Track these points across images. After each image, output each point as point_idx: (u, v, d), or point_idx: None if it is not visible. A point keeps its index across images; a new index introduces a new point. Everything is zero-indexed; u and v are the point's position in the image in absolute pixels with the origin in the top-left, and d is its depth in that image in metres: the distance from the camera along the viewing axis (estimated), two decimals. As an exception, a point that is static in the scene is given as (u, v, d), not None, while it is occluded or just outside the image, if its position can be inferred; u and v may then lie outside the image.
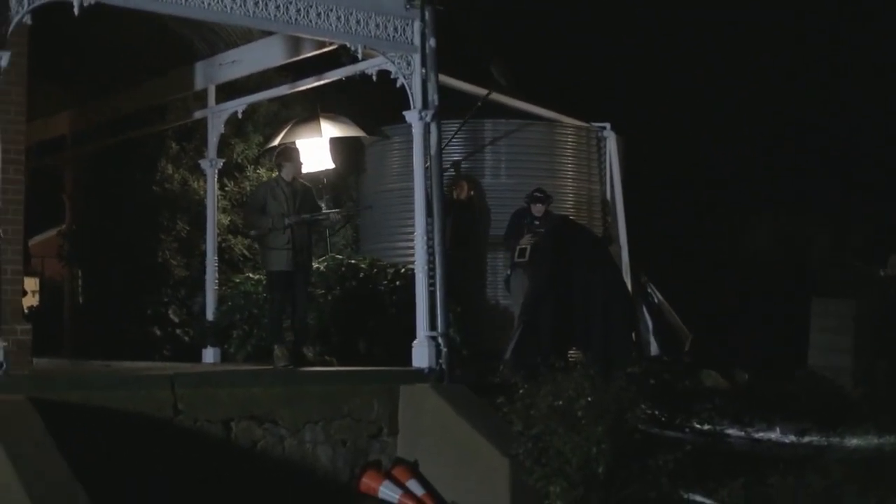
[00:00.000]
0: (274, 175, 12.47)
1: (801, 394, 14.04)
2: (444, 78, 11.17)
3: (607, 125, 15.60)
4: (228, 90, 13.33)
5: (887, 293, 15.70)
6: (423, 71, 10.41)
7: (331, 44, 11.01)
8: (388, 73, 10.52)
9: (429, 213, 10.35)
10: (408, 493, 9.34)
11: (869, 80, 22.41)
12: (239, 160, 15.30)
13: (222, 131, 13.03)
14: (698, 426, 12.00)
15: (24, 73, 9.61)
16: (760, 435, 12.41)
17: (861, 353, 14.81)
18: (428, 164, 10.40)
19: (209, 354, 12.63)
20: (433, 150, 10.43)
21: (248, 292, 13.25)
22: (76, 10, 8.67)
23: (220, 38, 12.49)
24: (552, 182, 14.71)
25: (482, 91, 14.55)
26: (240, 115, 13.09)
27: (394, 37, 10.36)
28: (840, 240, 20.09)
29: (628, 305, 13.13)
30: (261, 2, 9.63)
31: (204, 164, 13.14)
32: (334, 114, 14.65)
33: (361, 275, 13.00)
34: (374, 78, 10.77)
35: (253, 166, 15.40)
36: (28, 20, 8.55)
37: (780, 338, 16.41)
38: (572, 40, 21.92)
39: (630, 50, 22.27)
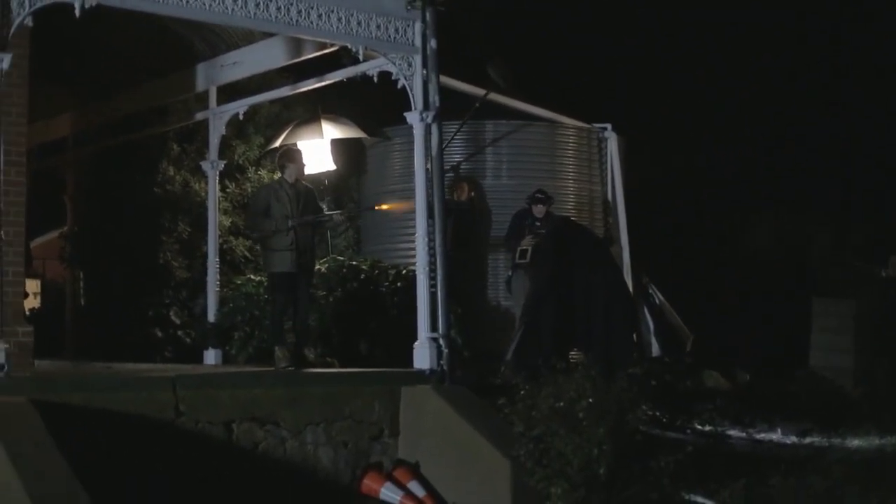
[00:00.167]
0: (276, 177, 12.49)
1: (801, 394, 14.05)
2: (445, 79, 11.18)
3: (608, 126, 15.62)
4: (230, 91, 13.34)
5: (888, 293, 15.70)
6: (424, 72, 10.42)
7: (332, 45, 11.01)
8: (389, 74, 10.52)
9: (430, 214, 10.34)
10: (409, 494, 9.34)
11: (869, 81, 22.40)
12: (240, 162, 15.31)
13: (223, 133, 13.03)
14: (699, 427, 12.00)
15: (25, 75, 9.61)
16: (762, 436, 12.41)
17: (862, 353, 14.81)
18: (429, 165, 10.40)
19: (210, 356, 12.63)
20: (434, 152, 10.44)
21: (249, 294, 13.26)
22: (77, 12, 8.67)
23: (222, 39, 12.50)
24: (553, 183, 14.71)
25: (483, 92, 14.56)
26: (241, 117, 13.08)
27: (395, 38, 10.37)
28: (840, 239, 20.10)
29: (629, 306, 13.13)
30: (262, 3, 9.64)
31: (205, 165, 13.15)
32: (335, 115, 14.66)
33: (363, 276, 13.01)
34: (376, 79, 10.77)
35: (254, 168, 15.41)
36: (29, 22, 8.57)
37: (780, 338, 16.42)
38: (574, 41, 21.92)
39: (631, 50, 22.27)
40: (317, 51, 11.56)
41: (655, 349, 13.33)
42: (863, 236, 19.74)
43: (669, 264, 16.26)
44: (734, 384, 14.71)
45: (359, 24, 10.16)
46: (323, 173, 14.52)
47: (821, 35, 22.57)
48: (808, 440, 12.26)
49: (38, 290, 17.91)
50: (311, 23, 9.94)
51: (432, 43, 10.46)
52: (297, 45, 11.76)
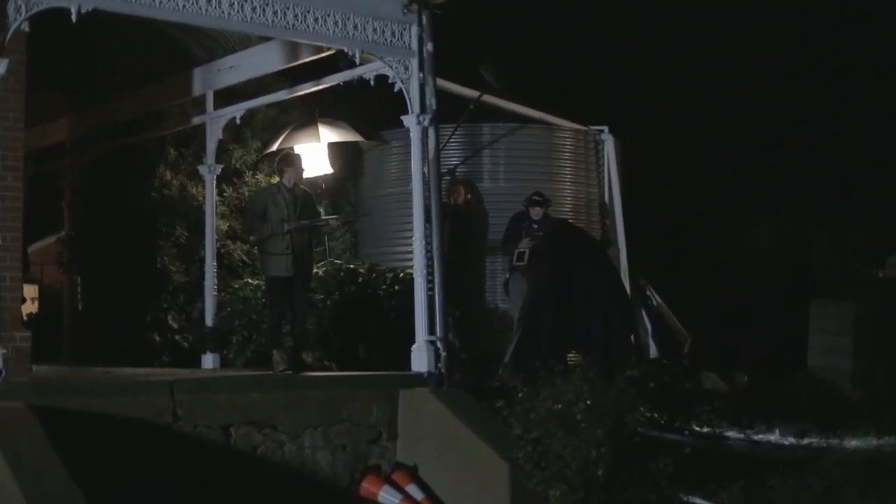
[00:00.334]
0: (273, 180, 12.49)
1: (800, 395, 14.02)
2: (442, 82, 11.19)
3: (605, 128, 15.63)
4: (226, 96, 13.34)
5: (886, 295, 15.69)
6: (421, 75, 10.42)
7: (328, 49, 11.02)
8: (385, 77, 10.52)
9: (427, 217, 10.35)
10: (407, 497, 9.35)
11: (870, 81, 22.40)
12: (237, 166, 15.31)
13: (220, 137, 13.04)
14: (698, 429, 11.98)
15: (22, 81, 9.63)
16: (760, 437, 12.39)
17: (860, 354, 14.80)
18: (426, 168, 10.40)
19: (208, 360, 12.63)
20: (431, 155, 10.45)
21: (247, 298, 13.26)
22: (74, 17, 8.68)
23: (218, 43, 12.51)
24: (550, 186, 14.71)
25: (478, 94, 14.56)
26: (238, 121, 13.10)
27: (391, 41, 10.38)
28: (840, 240, 20.08)
29: (627, 308, 13.14)
30: (258, 7, 9.64)
31: (202, 169, 13.15)
32: (332, 119, 14.66)
33: (360, 280, 13.02)
34: (372, 83, 10.77)
35: (251, 172, 15.41)
36: (26, 27, 8.58)
37: (779, 339, 16.40)
38: (573, 41, 21.91)
39: (631, 50, 22.26)
40: (313, 55, 11.57)
41: (653, 351, 13.34)
42: (862, 237, 19.72)
43: (667, 266, 16.25)
44: (732, 386, 14.69)
45: (355, 27, 10.17)
46: (320, 177, 14.51)
47: (821, 35, 22.55)
48: (806, 441, 12.24)
49: (36, 295, 17.89)
50: (308, 26, 9.95)
51: (429, 46, 10.47)
52: (293, 49, 11.76)
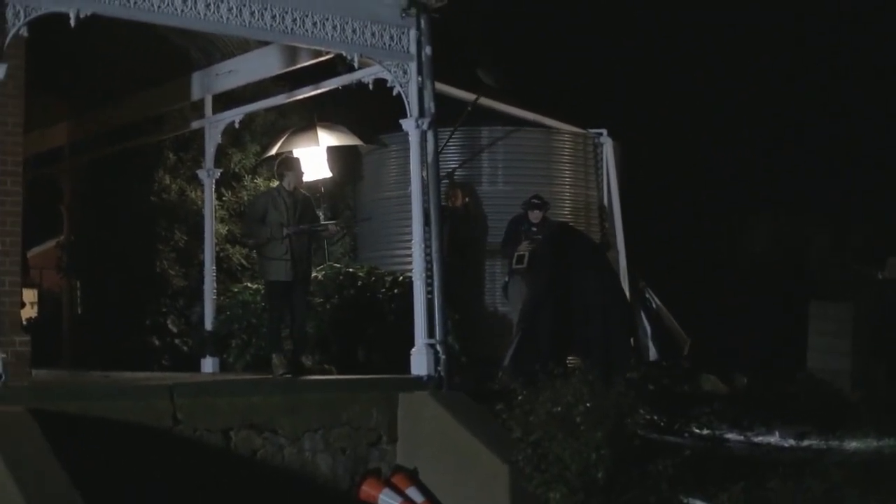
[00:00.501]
0: (272, 184, 12.50)
1: (800, 397, 14.03)
2: (440, 86, 11.20)
3: (604, 131, 15.65)
4: (225, 100, 13.34)
5: (885, 296, 15.70)
6: (420, 79, 10.43)
7: (327, 53, 11.03)
8: (384, 81, 10.53)
9: (426, 221, 10.36)
10: (407, 500, 9.35)
11: (869, 82, 22.41)
12: (236, 170, 15.32)
13: (219, 141, 13.04)
14: (697, 431, 11.98)
15: (21, 85, 9.62)
16: (760, 439, 12.39)
17: (860, 355, 14.81)
18: (425, 172, 10.41)
19: (208, 364, 12.63)
20: (430, 158, 10.45)
21: (246, 302, 13.27)
22: (73, 22, 8.69)
23: (217, 48, 12.52)
24: (549, 188, 14.73)
25: (476, 97, 14.58)
26: (237, 125, 13.09)
27: (390, 45, 10.39)
28: (840, 241, 20.09)
29: (627, 311, 13.15)
30: (257, 12, 9.65)
31: (201, 173, 13.15)
32: (331, 123, 14.67)
33: (360, 283, 13.03)
34: (371, 86, 10.77)
35: (250, 176, 15.43)
36: (25, 32, 8.58)
37: (778, 341, 16.40)
38: (571, 43, 21.92)
39: (629, 53, 22.28)
40: (312, 59, 11.57)
41: (653, 353, 13.34)
42: (862, 238, 19.73)
43: (667, 268, 16.26)
44: (732, 388, 14.71)
45: (354, 31, 10.18)
46: (319, 181, 14.53)
47: (820, 36, 22.57)
48: (806, 443, 12.24)
49: (36, 299, 17.90)
50: (307, 31, 9.96)
51: (427, 50, 10.48)
52: (292, 54, 11.77)
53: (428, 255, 10.31)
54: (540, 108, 15.53)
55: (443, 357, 10.20)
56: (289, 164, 11.53)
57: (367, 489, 9.48)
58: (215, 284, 12.99)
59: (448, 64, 11.50)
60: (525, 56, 19.82)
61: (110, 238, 15.01)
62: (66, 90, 14.08)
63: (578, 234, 14.08)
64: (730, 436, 12.31)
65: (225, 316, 13.12)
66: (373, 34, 10.28)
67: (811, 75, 22.40)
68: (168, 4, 9.17)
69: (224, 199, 14.98)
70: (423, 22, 10.45)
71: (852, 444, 12.05)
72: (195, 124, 13.46)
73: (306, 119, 14.90)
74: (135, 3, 9.01)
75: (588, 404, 8.49)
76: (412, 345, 10.30)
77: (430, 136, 10.47)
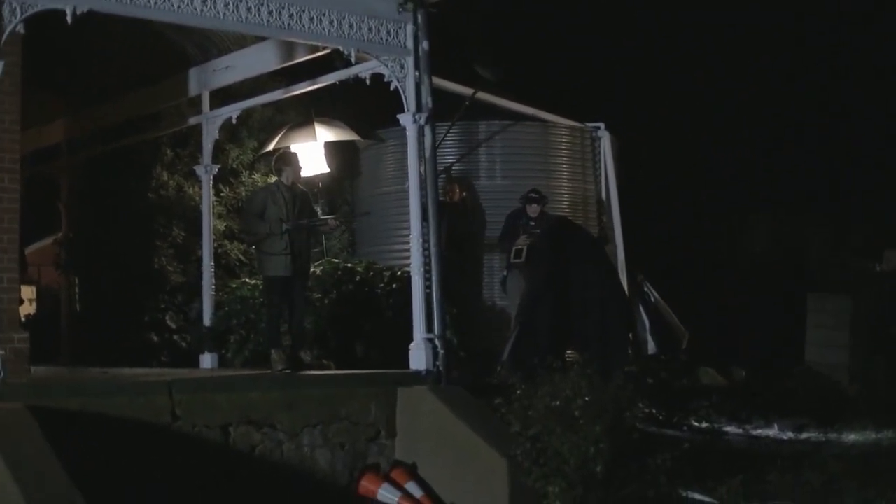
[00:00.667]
0: (270, 180, 12.50)
1: (798, 390, 14.05)
2: (437, 80, 11.19)
3: (601, 125, 15.66)
4: (222, 96, 13.33)
5: (883, 289, 15.71)
6: (417, 74, 10.43)
7: (324, 48, 11.02)
8: (381, 76, 10.52)
9: (424, 215, 10.36)
10: (406, 495, 9.35)
11: (868, 81, 22.43)
12: (234, 166, 15.31)
13: (217, 137, 13.02)
14: (696, 424, 12.00)
15: (18, 82, 9.63)
16: (758, 432, 12.42)
17: (858, 348, 14.82)
18: (422, 166, 10.41)
19: (207, 360, 12.63)
20: (427, 153, 10.46)
21: (244, 297, 13.27)
22: (69, 19, 8.68)
23: (214, 44, 12.50)
24: (547, 183, 14.73)
25: (474, 91, 14.58)
26: (234, 121, 13.08)
27: (387, 40, 10.38)
28: (839, 240, 20.10)
29: (625, 305, 13.15)
30: (253, 7, 9.64)
31: (199, 170, 13.14)
32: (329, 118, 14.66)
33: (358, 278, 13.03)
34: (368, 81, 10.76)
35: (248, 171, 15.42)
36: (21, 29, 8.57)
37: (777, 335, 16.42)
38: (571, 41, 21.93)
39: (629, 51, 22.29)
40: (309, 54, 11.57)
41: (651, 347, 13.34)
42: (861, 237, 19.74)
43: (666, 266, 16.26)
44: (730, 381, 14.73)
45: (350, 26, 10.17)
46: (317, 176, 14.52)
47: (819, 36, 22.59)
48: (804, 436, 12.27)
49: (34, 296, 17.87)
50: (303, 26, 9.95)
51: (424, 45, 10.48)
52: (289, 49, 11.77)
53: (426, 249, 10.32)
54: (538, 104, 15.53)
55: (441, 352, 10.20)
56: (287, 160, 11.52)
57: (365, 484, 9.49)
58: (213, 280, 12.99)
59: (446, 59, 11.50)
60: (523, 53, 19.82)
61: (108, 235, 15.00)
62: (63, 87, 14.07)
63: (576, 228, 14.08)
64: (728, 429, 12.33)
65: (223, 312, 13.12)
66: (370, 29, 10.28)
67: (810, 74, 22.42)
68: (164, 0, 9.16)
69: (222, 194, 14.98)
70: (419, 17, 10.44)
71: (850, 437, 12.07)
72: (192, 120, 13.46)
73: (304, 114, 14.89)
74: (131, -1, 9.01)
75: (586, 398, 8.49)
76: (410, 340, 10.30)
77: (427, 130, 10.47)
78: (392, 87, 10.46)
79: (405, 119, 10.46)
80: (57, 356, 14.61)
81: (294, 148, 13.86)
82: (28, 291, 16.32)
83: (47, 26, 8.80)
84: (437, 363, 10.16)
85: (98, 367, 12.23)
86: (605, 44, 22.10)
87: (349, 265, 13.36)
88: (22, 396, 8.21)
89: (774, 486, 9.42)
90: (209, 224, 13.10)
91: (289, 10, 9.83)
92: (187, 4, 9.28)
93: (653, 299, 13.84)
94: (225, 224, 14.97)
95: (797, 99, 22.09)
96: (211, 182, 13.14)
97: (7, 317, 9.30)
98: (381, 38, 10.35)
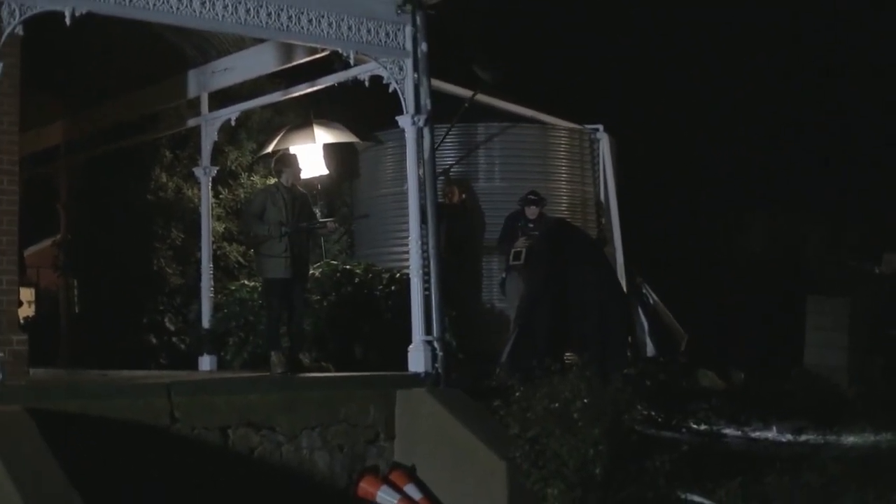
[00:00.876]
0: (270, 181, 12.50)
1: (797, 392, 14.05)
2: (436, 82, 11.20)
3: (600, 127, 15.66)
4: (221, 98, 13.33)
5: (882, 291, 15.72)
6: (416, 76, 10.43)
7: (323, 50, 11.03)
8: (380, 78, 10.52)
9: (423, 217, 10.36)
10: (405, 497, 9.35)
11: (865, 80, 22.44)
12: (233, 167, 15.31)
13: (216, 139, 13.03)
14: (695, 426, 12.01)
15: (16, 84, 9.62)
16: (757, 434, 12.41)
17: (856, 350, 14.83)
18: (421, 168, 10.41)
19: (205, 362, 12.62)
20: (426, 155, 10.46)
21: (243, 299, 13.27)
22: (68, 20, 8.68)
23: (212, 45, 12.51)
24: (546, 185, 14.74)
25: (472, 93, 14.58)
26: (233, 123, 13.09)
27: (385, 42, 10.38)
28: (836, 238, 20.11)
29: (624, 307, 13.15)
30: (252, 9, 9.65)
31: (198, 171, 13.14)
32: (327, 120, 14.66)
33: (357, 280, 13.03)
34: (367, 83, 10.78)
35: (247, 173, 15.42)
36: (20, 31, 8.57)
37: (775, 337, 16.42)
38: (567, 41, 21.93)
39: (625, 50, 22.29)
40: (308, 56, 11.57)
41: (650, 349, 13.35)
42: (858, 235, 19.75)
43: (664, 265, 16.27)
44: (729, 383, 14.72)
45: (349, 28, 10.17)
46: (316, 178, 14.52)
47: (816, 34, 22.60)
48: (803, 438, 12.26)
49: (33, 298, 17.85)
50: (302, 28, 9.95)
51: (423, 46, 10.48)
52: (288, 51, 11.77)
53: (425, 251, 10.32)
54: (536, 105, 15.54)
55: (440, 354, 10.20)
56: (286, 161, 11.52)
57: (364, 486, 9.48)
58: (212, 282, 12.98)
59: (444, 61, 11.50)
60: (521, 54, 19.82)
61: (107, 237, 15.00)
62: (61, 89, 14.07)
63: (575, 230, 14.08)
64: (727, 431, 12.33)
65: (222, 314, 13.12)
66: (368, 31, 10.28)
67: (807, 73, 22.43)
68: (163, 2, 9.16)
69: (221, 196, 14.98)
70: (418, 19, 10.45)
71: (849, 439, 12.07)
72: (191, 122, 13.46)
73: (302, 116, 14.89)
74: (130, 1, 9.00)
75: (585, 400, 8.49)
76: (409, 342, 10.30)
77: (426, 132, 10.47)
78: (391, 89, 10.47)
79: (404, 121, 10.46)
80: (56, 358, 14.61)
81: (293, 150, 13.88)
82: (27, 293, 16.30)
83: (46, 28, 8.79)
84: (436, 365, 10.16)
85: (97, 369, 12.22)
86: (602, 42, 22.10)
87: (348, 267, 13.36)
88: (21, 398, 8.20)
89: (773, 489, 9.41)
90: (208, 226, 13.10)
91: (287, 11, 9.83)
92: (186, 6, 9.28)
93: (651, 301, 13.85)
94: (224, 226, 14.97)
95: (794, 97, 22.10)
96: (210, 184, 13.14)
97: (6, 319, 9.29)
98: (380, 40, 10.35)
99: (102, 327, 14.74)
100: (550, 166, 15.23)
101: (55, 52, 11.50)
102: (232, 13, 9.53)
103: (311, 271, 12.19)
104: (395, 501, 9.33)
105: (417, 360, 10.17)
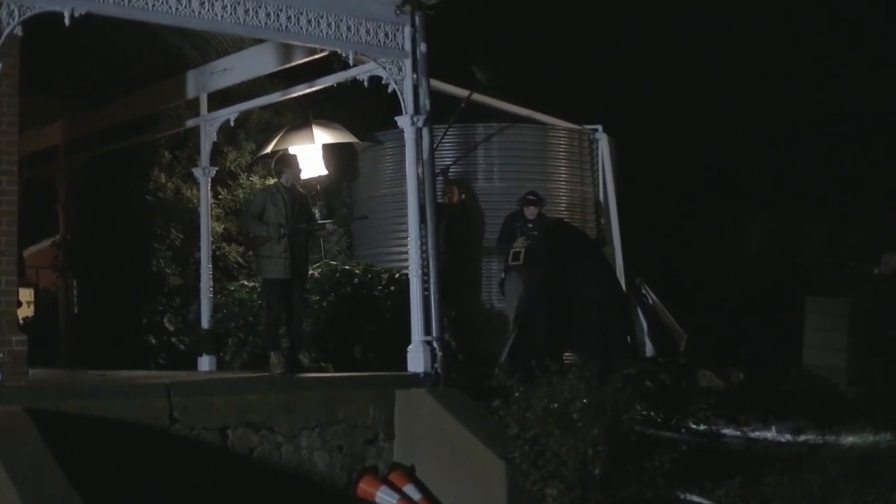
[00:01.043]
0: (270, 181, 12.50)
1: (796, 393, 14.05)
2: (435, 82, 11.20)
3: (599, 127, 15.66)
4: (220, 98, 13.34)
5: (880, 291, 15.72)
6: (415, 76, 10.43)
7: (322, 50, 11.03)
8: (379, 78, 10.53)
9: (422, 218, 10.36)
10: (405, 497, 9.36)
11: (864, 80, 22.45)
12: (232, 168, 15.31)
13: (215, 139, 13.04)
14: (694, 426, 12.00)
15: (16, 84, 9.59)
16: (756, 434, 12.41)
17: (856, 351, 14.82)
18: (420, 169, 10.42)
19: (205, 362, 12.63)
20: (425, 155, 10.46)
21: (242, 300, 13.27)
22: (67, 21, 8.69)
23: (212, 46, 12.51)
24: (545, 185, 14.74)
25: (475, 94, 14.58)
26: (232, 123, 13.10)
27: (384, 42, 10.38)
28: (835, 238, 20.12)
29: (623, 307, 13.15)
30: (251, 10, 9.65)
31: (197, 172, 13.15)
32: (326, 120, 14.66)
33: (356, 280, 13.03)
34: (366, 84, 10.78)
35: (246, 174, 15.42)
36: (19, 32, 8.57)
37: (775, 337, 16.42)
38: (567, 41, 21.94)
39: (625, 51, 22.30)
40: (307, 56, 11.58)
41: (649, 350, 13.35)
42: (857, 236, 19.76)
43: (663, 265, 16.28)
44: (728, 383, 14.71)
45: (348, 29, 10.18)
46: (315, 178, 14.52)
47: (815, 35, 22.61)
48: (802, 438, 12.26)
49: (32, 298, 17.85)
50: (301, 28, 9.95)
51: (422, 47, 10.48)
52: (287, 51, 11.77)
53: (424, 252, 10.32)
54: (536, 105, 15.54)
55: (439, 354, 10.21)
56: (287, 162, 11.52)
57: (364, 486, 9.49)
58: (212, 283, 12.99)
59: (443, 61, 11.50)
60: (520, 54, 19.83)
61: (106, 237, 14.99)
62: (60, 89, 14.07)
63: (574, 230, 14.09)
64: (726, 431, 12.33)
65: (221, 314, 13.12)
66: (367, 31, 10.28)
67: (807, 73, 22.43)
68: (162, 3, 9.17)
69: (220, 197, 14.97)
70: (417, 19, 10.45)
71: (849, 440, 12.06)
72: (190, 122, 13.46)
73: (301, 117, 14.89)
74: (129, 1, 9.01)
75: (585, 401, 8.49)
76: (409, 342, 10.31)
77: (425, 132, 10.47)
78: (390, 90, 10.47)
79: (403, 121, 10.46)
80: (55, 359, 14.61)
81: (292, 150, 13.88)
82: (26, 294, 16.30)
83: (45, 28, 8.80)
84: (436, 365, 10.16)
85: (96, 370, 12.23)
86: (601, 42, 22.11)
87: (347, 267, 13.36)
88: (20, 399, 8.21)
89: (772, 489, 9.41)
90: (207, 226, 13.10)
91: (286, 12, 9.83)
92: (185, 6, 9.29)
93: (651, 301, 13.84)
94: (223, 226, 14.97)
95: (794, 97, 22.11)
96: (209, 184, 13.15)
97: (5, 319, 9.26)
98: (379, 41, 10.35)
99: (102, 328, 14.75)
100: (550, 167, 15.24)
101: (54, 52, 11.50)
102: (231, 14, 9.53)
103: (310, 272, 12.19)
104: (395, 502, 9.34)
105: (417, 360, 10.18)
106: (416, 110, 10.41)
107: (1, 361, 8.50)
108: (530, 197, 13.73)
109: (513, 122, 15.30)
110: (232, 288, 13.76)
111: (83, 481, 7.51)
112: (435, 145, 11.16)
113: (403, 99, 10.42)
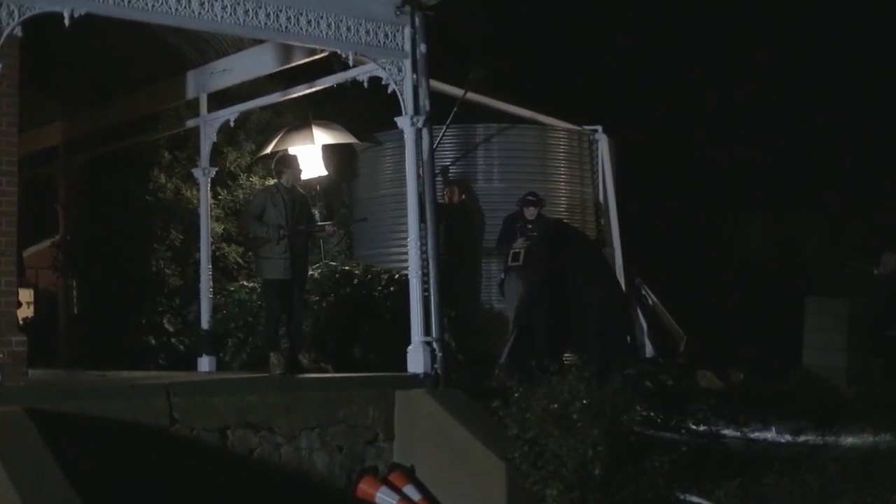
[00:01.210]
0: (270, 182, 12.50)
1: (796, 393, 14.06)
2: (435, 83, 11.19)
3: (599, 128, 15.66)
4: (220, 99, 13.34)
5: (880, 291, 15.72)
6: (415, 77, 10.43)
7: (322, 51, 11.03)
8: (379, 79, 10.53)
9: (422, 218, 10.36)
10: (405, 498, 9.35)
11: (864, 80, 22.46)
12: (231, 168, 15.31)
13: (215, 140, 13.04)
14: (694, 427, 12.00)
15: (15, 85, 9.60)
16: (756, 435, 12.41)
17: (855, 351, 14.83)
18: (420, 169, 10.41)
19: (204, 363, 12.63)
20: (425, 156, 10.46)
21: (242, 300, 13.27)
22: (66, 21, 8.69)
23: (211, 46, 12.51)
24: (545, 185, 14.74)
25: (475, 95, 14.58)
26: (232, 124, 13.09)
27: (384, 43, 10.38)
28: (835, 238, 20.12)
29: (623, 308, 13.15)
30: (251, 10, 9.65)
31: (197, 172, 13.15)
32: (326, 121, 14.66)
33: (356, 281, 13.02)
34: (366, 84, 10.78)
35: (246, 174, 15.42)
36: (19, 32, 8.58)
37: (774, 337, 16.43)
38: (566, 42, 21.96)
39: (625, 51, 22.32)
40: (307, 57, 11.57)
41: (649, 350, 13.35)
42: (857, 236, 19.77)
43: (663, 266, 16.28)
44: (728, 384, 14.72)
45: (348, 29, 10.18)
46: (314, 179, 14.52)
47: (815, 35, 22.62)
48: (802, 439, 12.26)
49: (32, 299, 17.84)
50: (301, 29, 9.95)
51: (422, 47, 10.48)
52: (286, 52, 11.77)
53: (424, 252, 10.32)
54: (535, 105, 15.54)
55: (439, 354, 10.21)
56: (287, 162, 11.51)
57: (363, 487, 9.49)
58: (211, 283, 12.99)
59: (443, 62, 11.50)
60: (520, 55, 19.84)
61: (106, 237, 14.99)
62: (60, 89, 14.07)
63: (574, 230, 14.09)
64: (726, 432, 12.33)
65: (221, 315, 13.12)
66: (367, 32, 10.28)
67: (806, 73, 22.45)
68: (162, 3, 9.17)
69: (220, 197, 14.97)
70: (417, 19, 10.45)
71: (848, 440, 12.06)
72: (190, 123, 13.46)
73: (301, 117, 14.89)
74: (129, 2, 9.01)
75: (584, 401, 8.49)
76: (408, 342, 10.31)
77: (425, 133, 10.47)
78: (389, 90, 10.47)
79: (403, 122, 10.46)
80: (55, 359, 14.61)
81: (292, 151, 13.87)
82: (26, 294, 16.29)
83: (45, 29, 8.80)
84: (435, 366, 10.16)
85: (96, 370, 12.23)
86: (601, 42, 22.12)
87: (347, 268, 13.36)
88: (20, 399, 8.21)
89: (772, 490, 9.41)
90: (207, 227, 13.10)
91: (286, 12, 9.83)
92: (185, 7, 9.29)
93: (650, 302, 13.85)
94: (223, 227, 14.97)
95: (794, 97, 22.13)
96: (208, 185, 13.15)
97: (5, 320, 9.27)
98: (379, 41, 10.35)
99: (101, 328, 14.75)
100: (549, 167, 15.24)
101: (54, 52, 11.50)
102: (231, 14, 9.53)
103: (310, 272, 12.19)
104: (394, 502, 9.33)
105: (416, 360, 10.18)
106: (416, 111, 10.41)
107: (1, 362, 8.50)
108: (530, 198, 13.73)
109: (513, 123, 15.30)
110: (232, 288, 13.75)
111: (83, 481, 7.51)
112: (435, 146, 11.15)
113: (403, 99, 10.42)
